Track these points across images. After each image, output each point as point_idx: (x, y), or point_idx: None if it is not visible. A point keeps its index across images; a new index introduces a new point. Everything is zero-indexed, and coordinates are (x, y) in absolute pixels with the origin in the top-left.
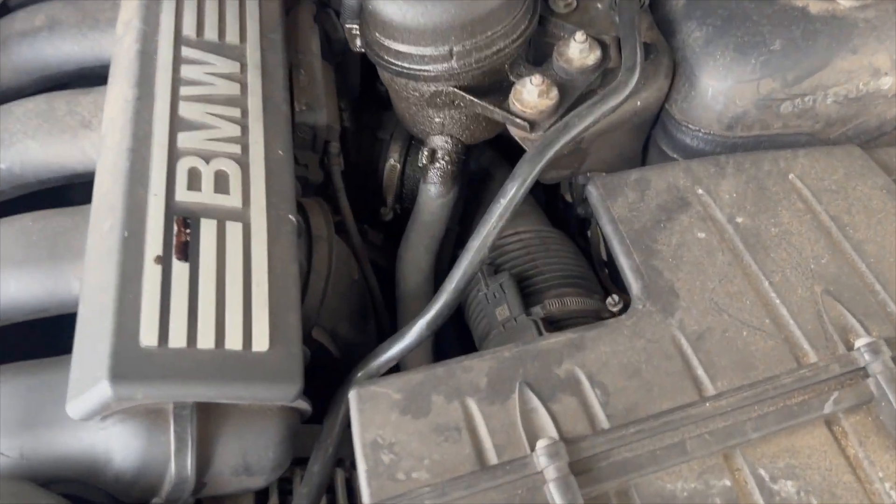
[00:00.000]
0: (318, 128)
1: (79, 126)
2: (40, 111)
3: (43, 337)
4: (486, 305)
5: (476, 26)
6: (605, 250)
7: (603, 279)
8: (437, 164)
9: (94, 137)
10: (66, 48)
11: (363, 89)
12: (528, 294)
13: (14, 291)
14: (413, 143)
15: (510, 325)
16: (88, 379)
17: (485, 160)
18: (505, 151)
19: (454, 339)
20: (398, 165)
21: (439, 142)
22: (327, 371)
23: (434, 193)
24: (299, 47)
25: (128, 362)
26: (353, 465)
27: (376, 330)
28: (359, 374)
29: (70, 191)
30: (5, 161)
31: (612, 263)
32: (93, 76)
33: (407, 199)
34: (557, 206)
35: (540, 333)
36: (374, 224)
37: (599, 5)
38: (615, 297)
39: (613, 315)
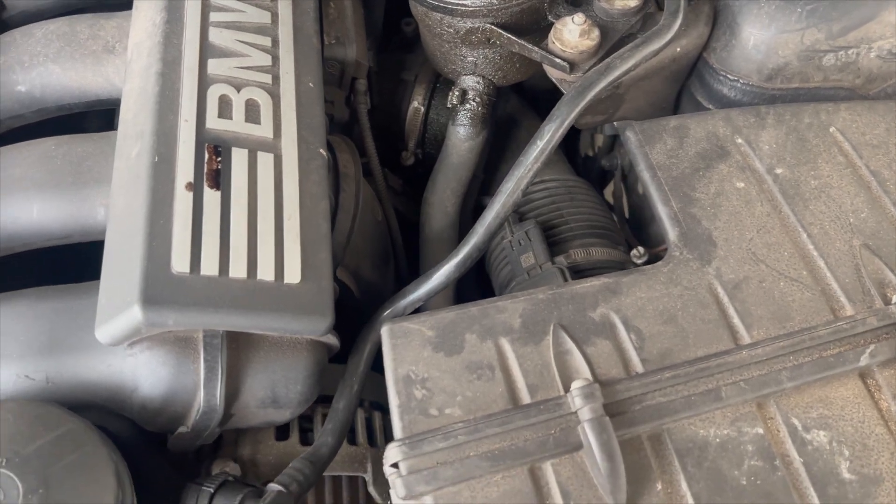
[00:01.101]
0: (347, 63)
1: (102, 50)
2: (62, 34)
3: (63, 267)
4: (511, 252)
5: None
6: (626, 206)
7: (626, 233)
8: (468, 106)
9: (117, 63)
10: None
11: (386, 29)
12: (553, 243)
13: (36, 215)
14: (438, 85)
15: (535, 272)
16: (119, 304)
17: (510, 107)
18: (529, 101)
19: (473, 284)
20: (422, 108)
21: (471, 82)
22: (347, 312)
23: (463, 135)
24: None
25: (159, 287)
26: (372, 406)
27: (394, 274)
28: (385, 313)
29: (85, 120)
30: (25, 84)
31: (633, 219)
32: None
33: (429, 144)
34: (576, 161)
35: (565, 281)
36: (394, 168)
37: None
38: (640, 248)
39: (638, 267)
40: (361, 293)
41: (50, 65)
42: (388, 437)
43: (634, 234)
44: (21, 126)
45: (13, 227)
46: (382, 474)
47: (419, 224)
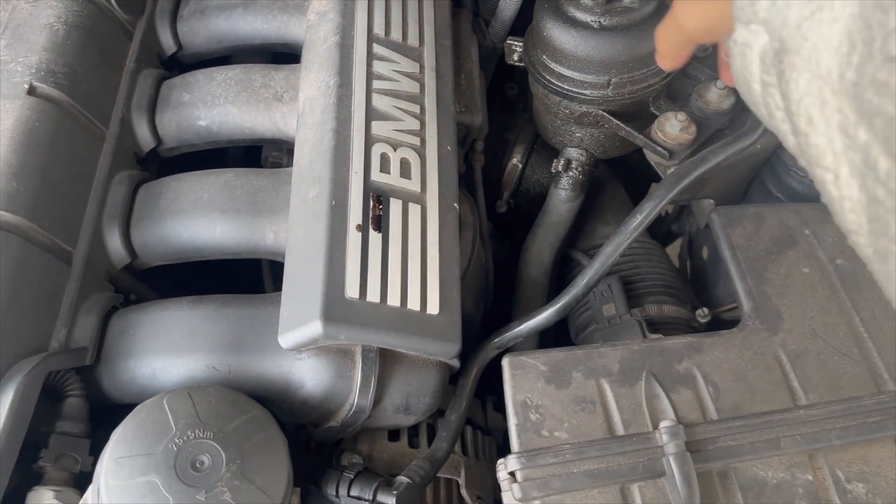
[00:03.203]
0: (472, 128)
1: (272, 98)
2: (239, 80)
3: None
4: (594, 301)
5: (636, 63)
6: (689, 267)
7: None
8: (571, 173)
9: (284, 110)
10: (256, 25)
11: (491, 90)
12: (631, 296)
13: (218, 234)
14: (535, 147)
15: (615, 321)
16: (301, 317)
17: (598, 172)
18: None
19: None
20: (520, 165)
21: (575, 154)
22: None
23: (564, 198)
24: (461, 53)
25: (336, 308)
26: (468, 423)
27: (484, 307)
28: (492, 343)
29: (224, 156)
30: (206, 119)
31: (694, 280)
32: (273, 51)
33: (522, 196)
34: None
35: (643, 333)
36: (488, 214)
37: None
38: (705, 309)
39: (702, 325)
40: (462, 323)
41: (228, 106)
42: (477, 448)
43: (696, 293)
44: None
45: (197, 241)
46: (474, 478)
47: (517, 269)
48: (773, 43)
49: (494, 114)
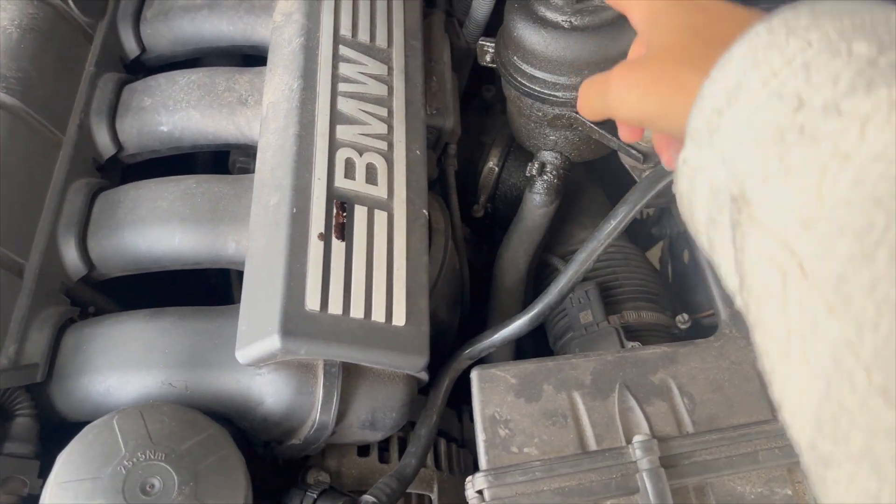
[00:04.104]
0: (444, 131)
1: (236, 102)
2: (202, 84)
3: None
4: (571, 308)
5: (608, 64)
6: (671, 271)
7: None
8: (545, 177)
9: (248, 114)
10: (222, 27)
11: (468, 91)
12: (608, 303)
13: (177, 243)
14: (512, 150)
15: (592, 329)
16: (259, 332)
17: (575, 175)
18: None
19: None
20: (496, 169)
21: (549, 157)
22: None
23: (538, 202)
24: (432, 55)
25: (295, 321)
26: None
27: (460, 314)
28: (464, 353)
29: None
30: (168, 125)
31: (676, 284)
32: (239, 53)
33: (498, 201)
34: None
35: (620, 341)
36: (464, 218)
37: None
38: (685, 315)
39: (681, 331)
40: (435, 331)
41: (191, 111)
42: (451, 462)
43: (678, 297)
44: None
45: (156, 251)
46: (448, 494)
47: (492, 276)
48: (730, 185)
49: (471, 116)
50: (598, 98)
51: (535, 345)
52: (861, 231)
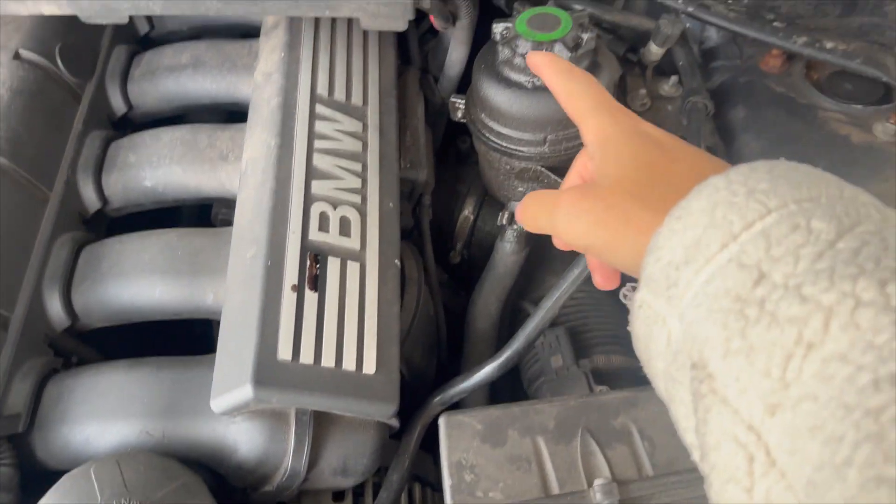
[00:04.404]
0: (418, 183)
1: (217, 158)
2: (185, 140)
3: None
4: (542, 353)
5: (569, 121)
6: None
7: None
8: (515, 227)
9: (229, 169)
10: (206, 85)
11: (445, 143)
12: (579, 347)
13: (158, 295)
14: (486, 198)
15: (563, 373)
16: (232, 381)
17: None
18: None
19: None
20: (471, 217)
21: None
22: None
23: (509, 251)
24: (407, 111)
25: (267, 371)
26: (417, 480)
27: (437, 361)
28: (434, 400)
29: (177, 212)
30: (151, 180)
31: None
32: (223, 110)
33: (474, 247)
34: None
35: (589, 384)
36: (441, 262)
37: (670, 107)
38: None
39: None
40: (411, 377)
41: (174, 166)
42: None
43: None
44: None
45: (137, 302)
46: None
47: (465, 322)
48: (689, 349)
49: (447, 166)
50: (545, 215)
51: (511, 387)
52: (830, 439)
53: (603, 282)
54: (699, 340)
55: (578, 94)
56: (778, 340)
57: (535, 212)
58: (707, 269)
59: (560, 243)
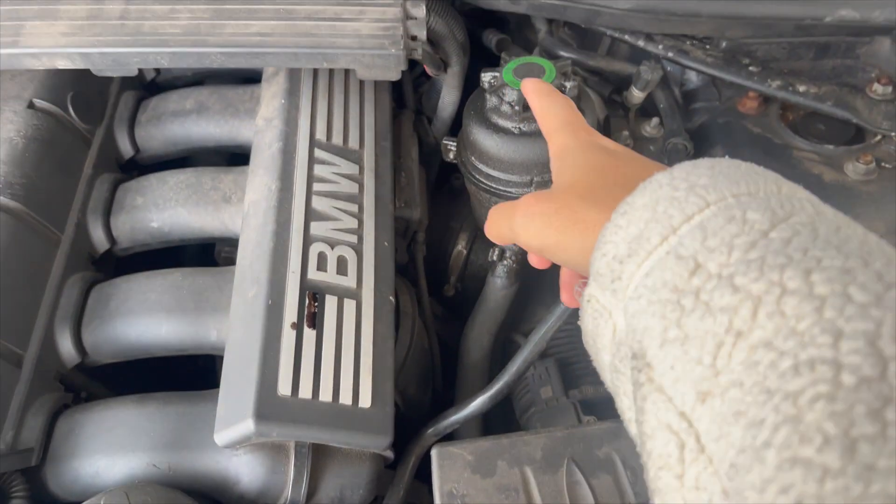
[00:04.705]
0: (412, 221)
1: (220, 200)
2: (190, 183)
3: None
4: (533, 384)
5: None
6: None
7: None
8: (505, 262)
9: (231, 211)
10: (209, 129)
11: (440, 180)
12: (568, 378)
13: (164, 332)
14: (479, 234)
15: (553, 403)
16: (235, 416)
17: None
18: None
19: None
20: (464, 251)
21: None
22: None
23: (500, 286)
24: (401, 153)
25: (268, 406)
26: None
27: (432, 391)
28: (428, 432)
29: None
30: (158, 221)
31: None
32: (226, 153)
33: (468, 280)
34: None
35: (578, 415)
36: (435, 295)
37: (652, 147)
38: None
39: None
40: (406, 407)
41: (179, 208)
42: None
43: None
44: None
45: (145, 339)
46: None
47: (458, 354)
48: (630, 340)
49: (441, 203)
50: (505, 223)
51: (504, 417)
52: (752, 424)
53: (569, 300)
54: (639, 331)
55: (551, 114)
56: (710, 329)
57: (497, 221)
58: (648, 262)
59: (533, 259)
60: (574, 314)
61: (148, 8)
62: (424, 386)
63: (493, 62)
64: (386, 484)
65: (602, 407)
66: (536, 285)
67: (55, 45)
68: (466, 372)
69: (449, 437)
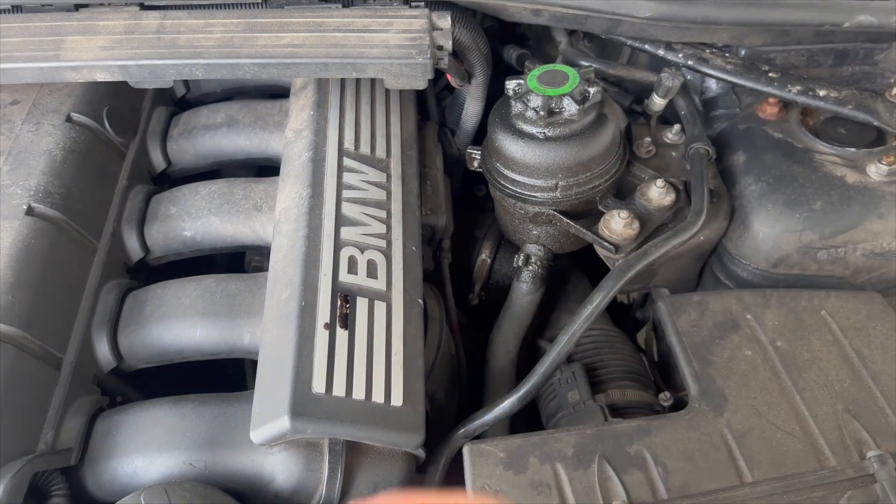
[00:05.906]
0: (438, 228)
1: (252, 209)
2: (222, 193)
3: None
4: (560, 388)
5: (579, 168)
6: (656, 352)
7: (654, 376)
8: (530, 268)
9: (262, 219)
10: (239, 142)
11: (463, 192)
12: (594, 383)
13: (198, 336)
14: (502, 242)
15: (579, 407)
16: (270, 414)
17: (561, 265)
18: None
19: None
20: (488, 260)
21: (533, 249)
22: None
23: (525, 290)
24: (426, 162)
25: (303, 404)
26: None
27: (458, 396)
28: (458, 433)
29: (211, 259)
30: (191, 230)
31: (661, 364)
32: (255, 165)
33: (492, 289)
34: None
35: (605, 418)
36: (460, 305)
37: (674, 153)
38: (667, 393)
39: (664, 408)
40: (434, 413)
41: (212, 217)
42: None
43: (662, 376)
44: None
45: (180, 343)
46: None
47: (485, 359)
48: None
49: (464, 213)
50: None
51: (530, 424)
52: None
53: None
54: None
55: None
56: None
57: None
58: None
59: None
60: (598, 319)
61: (183, 22)
62: (451, 392)
63: None
64: (416, 486)
65: (629, 411)
66: (560, 292)
67: (94, 59)
68: (493, 377)
69: (477, 439)
